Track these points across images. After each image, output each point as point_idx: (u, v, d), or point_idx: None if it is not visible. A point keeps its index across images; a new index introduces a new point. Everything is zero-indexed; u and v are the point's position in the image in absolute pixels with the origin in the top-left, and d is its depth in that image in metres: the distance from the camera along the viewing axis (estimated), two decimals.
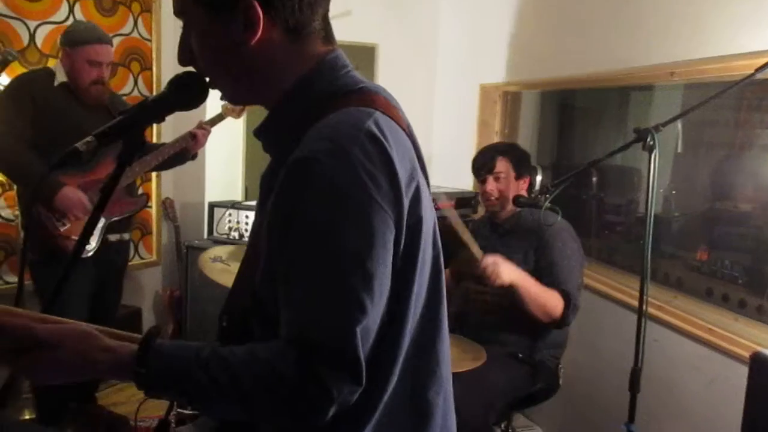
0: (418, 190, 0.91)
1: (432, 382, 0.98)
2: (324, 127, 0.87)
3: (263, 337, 0.92)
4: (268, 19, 0.90)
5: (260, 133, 1.01)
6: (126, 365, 0.84)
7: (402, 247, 0.89)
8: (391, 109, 0.94)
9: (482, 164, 2.58)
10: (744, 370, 1.72)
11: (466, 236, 2.32)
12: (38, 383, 0.94)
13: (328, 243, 0.82)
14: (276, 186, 0.87)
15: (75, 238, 2.50)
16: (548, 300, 2.29)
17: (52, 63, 2.99)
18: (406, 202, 0.87)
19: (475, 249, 2.31)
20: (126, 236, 2.86)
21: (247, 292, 0.94)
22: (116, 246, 2.78)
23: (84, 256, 2.54)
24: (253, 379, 0.83)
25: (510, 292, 2.26)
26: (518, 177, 2.55)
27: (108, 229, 2.67)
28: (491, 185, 2.54)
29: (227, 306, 1.01)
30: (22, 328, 0.85)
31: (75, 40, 2.50)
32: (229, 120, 2.97)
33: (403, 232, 0.88)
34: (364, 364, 0.83)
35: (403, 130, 0.95)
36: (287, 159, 0.86)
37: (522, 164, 2.57)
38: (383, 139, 0.86)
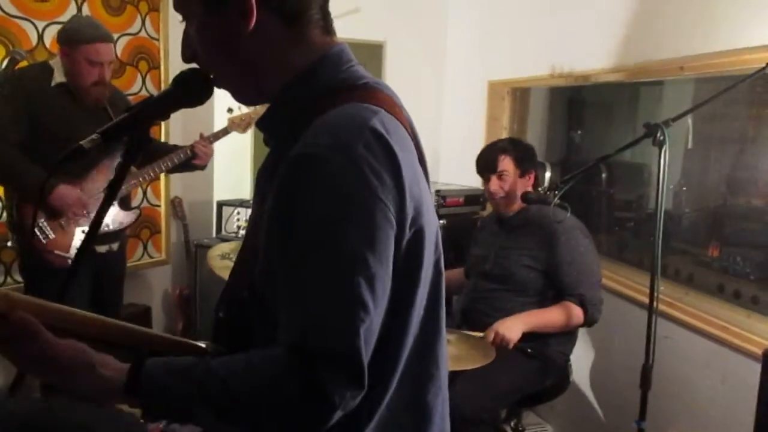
0: (420, 189, 0.90)
1: (431, 385, 0.97)
2: (327, 121, 0.85)
3: (262, 330, 0.90)
4: (262, 6, 0.89)
5: (263, 123, 0.99)
6: (117, 392, 0.83)
7: (404, 247, 0.87)
8: (394, 108, 0.93)
9: (485, 164, 2.58)
10: (757, 367, 1.70)
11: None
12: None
13: (331, 241, 0.81)
14: (277, 180, 0.85)
15: (58, 252, 2.44)
16: (564, 318, 2.34)
17: None
18: (410, 201, 0.85)
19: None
20: (115, 246, 2.75)
21: (245, 284, 0.93)
22: (108, 257, 2.69)
23: (62, 264, 2.46)
24: (252, 395, 0.81)
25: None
26: (523, 174, 2.54)
27: (96, 240, 2.57)
28: (495, 185, 2.54)
29: (224, 298, 1.00)
30: (32, 332, 0.84)
31: (74, 38, 2.39)
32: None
33: (406, 231, 0.86)
34: (366, 367, 0.81)
35: (406, 129, 0.93)
36: (286, 152, 0.85)
37: (525, 160, 2.55)
38: (387, 137, 0.84)
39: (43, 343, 0.84)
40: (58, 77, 2.47)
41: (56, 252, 2.44)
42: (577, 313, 2.34)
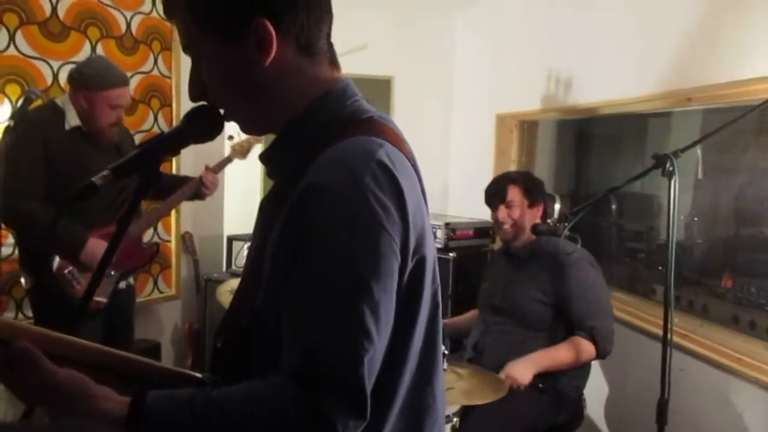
0: (423, 222, 0.91)
1: (428, 417, 0.97)
2: (335, 154, 0.87)
3: (261, 360, 0.90)
4: (279, 36, 0.90)
5: (266, 158, 1.00)
6: (118, 424, 0.83)
7: (406, 278, 0.88)
8: (398, 141, 0.95)
9: (494, 193, 2.58)
10: None
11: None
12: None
13: (337, 270, 0.82)
14: (285, 210, 0.86)
15: (97, 299, 2.44)
16: (575, 354, 2.31)
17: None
18: (413, 233, 0.87)
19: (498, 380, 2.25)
20: (132, 281, 2.82)
21: (245, 313, 0.93)
22: (123, 292, 2.72)
23: (98, 307, 2.47)
24: (253, 424, 0.81)
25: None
26: (531, 205, 2.54)
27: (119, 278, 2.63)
28: (503, 213, 2.54)
29: (223, 327, 1.00)
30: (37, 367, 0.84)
31: (95, 83, 2.42)
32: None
33: (408, 262, 0.88)
34: (369, 397, 0.81)
35: (409, 161, 0.95)
36: (293, 183, 0.86)
37: (534, 192, 2.56)
38: (393, 169, 0.86)
39: (43, 372, 0.84)
40: (72, 120, 2.46)
41: (95, 299, 2.43)
42: (588, 347, 2.31)
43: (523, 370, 2.24)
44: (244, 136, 2.90)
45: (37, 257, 2.45)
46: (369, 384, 0.81)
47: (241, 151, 2.91)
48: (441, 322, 1.00)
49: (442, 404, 1.01)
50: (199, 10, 0.91)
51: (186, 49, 0.96)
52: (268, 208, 0.98)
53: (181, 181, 2.80)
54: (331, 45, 0.98)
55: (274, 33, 0.89)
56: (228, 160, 2.90)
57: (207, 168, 2.79)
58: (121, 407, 0.83)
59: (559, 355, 2.32)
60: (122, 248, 2.50)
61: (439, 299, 0.99)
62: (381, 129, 0.93)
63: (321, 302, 0.82)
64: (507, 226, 2.54)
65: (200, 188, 2.73)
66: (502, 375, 2.23)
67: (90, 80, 2.43)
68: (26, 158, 2.37)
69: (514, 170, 2.82)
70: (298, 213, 0.84)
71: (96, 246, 2.42)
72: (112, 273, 2.56)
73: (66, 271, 2.43)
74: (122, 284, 2.70)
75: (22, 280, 2.56)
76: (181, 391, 0.85)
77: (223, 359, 0.97)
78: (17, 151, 2.38)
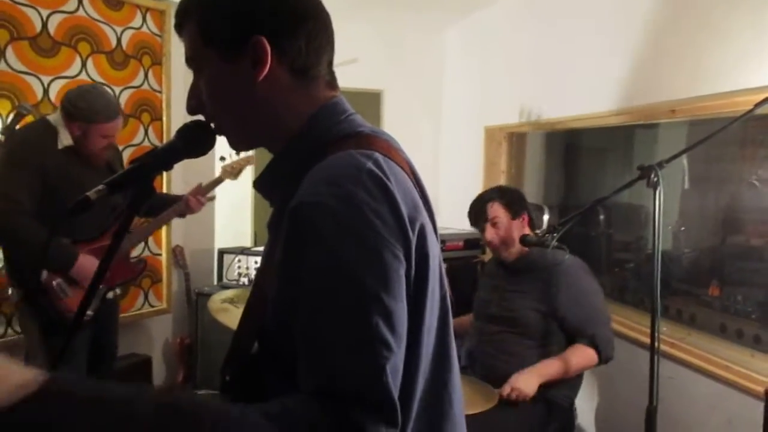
0: (423, 227, 0.90)
1: (445, 423, 0.96)
2: (323, 169, 0.87)
3: (277, 384, 0.89)
4: (275, 57, 0.92)
5: (261, 183, 1.01)
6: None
7: (412, 282, 0.87)
8: (391, 151, 0.95)
9: (476, 214, 2.62)
10: (761, 407, 1.69)
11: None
12: None
13: (343, 285, 0.81)
14: (281, 233, 0.86)
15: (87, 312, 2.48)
16: (579, 361, 2.33)
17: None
18: (413, 237, 0.87)
19: (490, 389, 2.25)
20: (118, 291, 2.87)
21: (253, 340, 0.92)
22: (108, 301, 2.75)
23: (86, 320, 2.47)
24: None
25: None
26: (514, 216, 2.56)
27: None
28: (490, 233, 2.57)
29: (230, 359, 0.98)
30: None
31: (90, 117, 2.45)
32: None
33: (413, 267, 0.88)
34: (398, 404, 0.80)
35: (405, 170, 0.95)
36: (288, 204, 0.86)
37: (515, 204, 2.58)
38: (384, 177, 0.86)
39: None
40: (65, 140, 2.47)
41: (73, 311, 2.43)
42: (591, 354, 2.33)
43: (527, 381, 2.26)
44: (235, 157, 2.93)
45: (25, 269, 2.46)
46: (396, 392, 0.80)
47: (233, 172, 2.94)
48: (452, 328, 0.99)
49: (459, 410, 1.00)
50: (206, 26, 0.94)
51: (189, 61, 0.98)
52: (271, 231, 0.99)
53: (172, 200, 2.84)
54: (331, 71, 1.00)
55: (269, 52, 0.91)
56: (219, 181, 2.94)
57: (198, 187, 2.83)
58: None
59: (564, 363, 2.34)
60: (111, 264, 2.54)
61: (449, 304, 0.98)
62: (370, 141, 0.93)
63: (333, 321, 0.81)
64: (496, 243, 2.58)
65: (183, 208, 2.79)
66: (507, 387, 2.24)
67: (86, 114, 2.45)
68: (19, 176, 2.38)
69: (489, 188, 2.81)
70: (292, 235, 0.84)
71: (86, 262, 2.46)
72: (100, 288, 2.58)
73: (54, 283, 2.44)
74: (110, 294, 2.73)
75: (10, 291, 2.55)
76: (208, 403, 0.81)
77: (232, 392, 0.95)
78: (9, 169, 2.39)
